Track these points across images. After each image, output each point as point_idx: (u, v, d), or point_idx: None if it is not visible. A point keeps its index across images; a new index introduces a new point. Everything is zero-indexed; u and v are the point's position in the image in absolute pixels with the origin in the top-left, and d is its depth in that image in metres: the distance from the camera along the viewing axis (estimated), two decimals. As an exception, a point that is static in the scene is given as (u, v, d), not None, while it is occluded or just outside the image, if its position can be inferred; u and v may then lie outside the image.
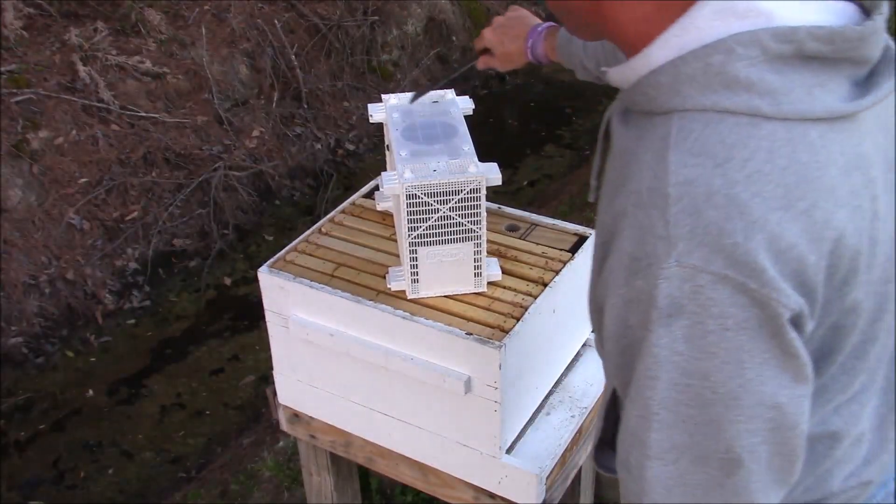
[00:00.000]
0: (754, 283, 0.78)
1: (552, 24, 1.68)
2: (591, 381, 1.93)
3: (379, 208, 2.00)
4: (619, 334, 0.87)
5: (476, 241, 1.66)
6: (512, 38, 1.71)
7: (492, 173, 1.61)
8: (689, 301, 0.79)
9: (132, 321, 4.05)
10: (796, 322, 0.81)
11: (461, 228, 1.63)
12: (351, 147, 5.33)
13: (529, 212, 1.99)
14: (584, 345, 2.01)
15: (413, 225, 1.61)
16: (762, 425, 0.83)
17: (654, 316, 0.81)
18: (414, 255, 1.65)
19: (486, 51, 1.75)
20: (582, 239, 1.87)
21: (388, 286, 1.73)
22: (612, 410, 1.11)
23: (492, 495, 1.74)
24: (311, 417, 1.96)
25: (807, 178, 0.79)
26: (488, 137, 4.90)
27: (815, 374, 0.88)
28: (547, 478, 1.70)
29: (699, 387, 0.82)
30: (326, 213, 2.07)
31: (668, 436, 0.84)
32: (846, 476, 1.03)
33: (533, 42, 1.69)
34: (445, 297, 1.71)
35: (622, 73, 0.91)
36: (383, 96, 1.89)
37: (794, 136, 0.79)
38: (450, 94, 1.89)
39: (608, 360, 0.94)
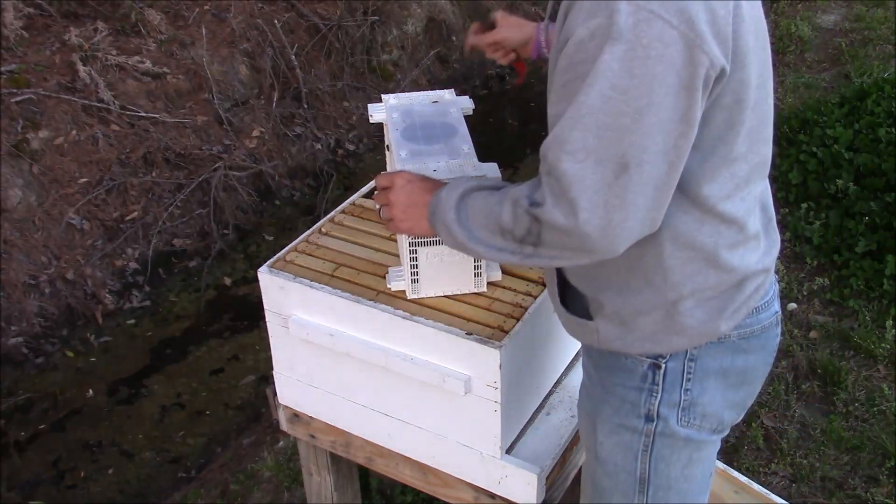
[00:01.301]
0: (690, 31, 1.08)
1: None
2: (591, 381, 1.93)
3: (379, 208, 2.00)
4: (566, 69, 1.15)
5: (476, 241, 1.65)
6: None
7: (492, 173, 1.61)
8: (629, 31, 1.08)
9: (132, 321, 4.05)
10: (708, 81, 1.12)
11: (461, 228, 1.63)
12: (351, 147, 5.33)
13: (529, 212, 1.99)
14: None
15: (413, 225, 1.61)
16: (651, 144, 1.12)
17: (604, 42, 1.08)
18: (414, 255, 1.65)
19: None
20: (582, 239, 1.87)
21: (388, 286, 1.73)
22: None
23: (492, 495, 1.74)
24: (311, 417, 1.95)
25: None
26: (488, 137, 4.91)
27: (722, 143, 1.22)
28: (547, 478, 1.70)
29: (618, 100, 1.10)
30: (326, 213, 2.07)
31: (583, 136, 1.13)
32: (756, 261, 1.35)
33: (541, 36, 1.72)
34: (445, 297, 1.71)
35: None
36: (383, 96, 1.89)
37: None
38: (450, 94, 1.89)
39: (552, 99, 1.21)
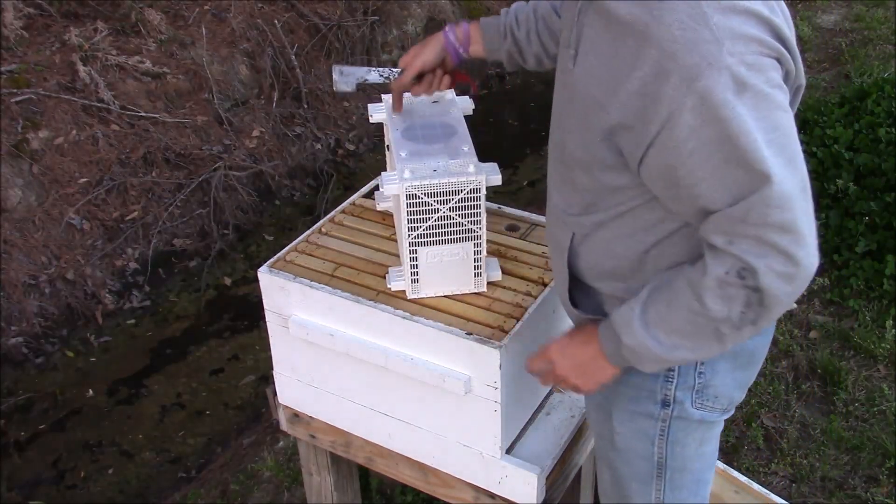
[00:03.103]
0: (775, 52, 1.15)
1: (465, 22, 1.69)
2: (591, 381, 1.93)
3: (379, 208, 2.00)
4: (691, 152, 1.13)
5: (476, 241, 1.66)
6: (428, 50, 1.68)
7: (492, 173, 1.61)
8: (747, 71, 1.11)
9: (132, 321, 4.05)
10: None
11: (461, 228, 1.63)
12: (351, 147, 5.33)
13: (529, 212, 1.99)
14: (584, 345, 2.01)
15: (413, 225, 1.61)
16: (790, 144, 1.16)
17: (728, 96, 1.10)
18: (414, 255, 1.65)
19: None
20: (582, 239, 1.87)
21: (388, 286, 1.73)
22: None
23: (492, 495, 1.74)
24: (311, 417, 1.95)
25: None
26: (488, 137, 4.91)
27: None
28: (547, 478, 1.70)
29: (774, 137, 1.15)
30: (326, 213, 2.07)
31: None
32: None
33: (449, 35, 1.69)
34: (445, 297, 1.71)
35: None
36: (383, 96, 1.89)
37: None
38: (450, 94, 1.89)
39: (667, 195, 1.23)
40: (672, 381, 1.42)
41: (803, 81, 1.32)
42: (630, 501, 1.57)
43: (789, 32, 1.22)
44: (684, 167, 1.15)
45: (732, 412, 1.54)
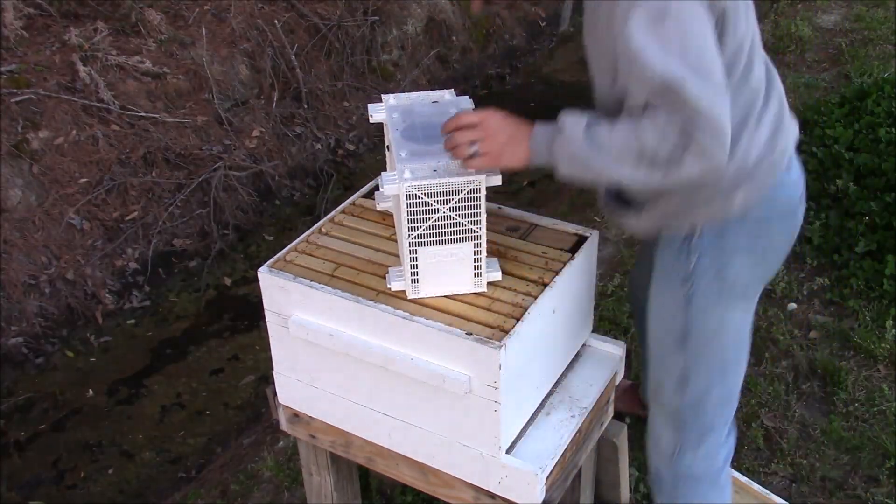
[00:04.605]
0: None
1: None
2: (591, 381, 1.93)
3: (379, 208, 2.00)
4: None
5: (476, 242, 1.66)
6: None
7: (492, 173, 1.61)
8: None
9: (132, 321, 4.05)
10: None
11: (461, 228, 1.64)
12: (351, 147, 5.33)
13: (529, 212, 1.99)
14: (584, 345, 2.02)
15: (413, 225, 1.62)
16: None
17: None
18: (414, 255, 1.65)
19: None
20: (582, 239, 1.87)
21: (388, 286, 1.73)
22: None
23: (492, 495, 1.74)
24: (311, 417, 1.96)
25: None
26: (488, 137, 4.88)
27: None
28: (547, 478, 1.70)
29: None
30: (326, 213, 2.07)
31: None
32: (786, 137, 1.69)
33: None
34: (445, 297, 1.71)
35: None
36: (383, 96, 1.89)
37: None
38: (450, 94, 1.89)
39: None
40: (692, 262, 1.71)
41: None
42: (663, 366, 1.86)
43: None
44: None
45: (750, 300, 1.81)
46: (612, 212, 1.82)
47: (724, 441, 1.95)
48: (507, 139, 1.60)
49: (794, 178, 1.73)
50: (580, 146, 1.52)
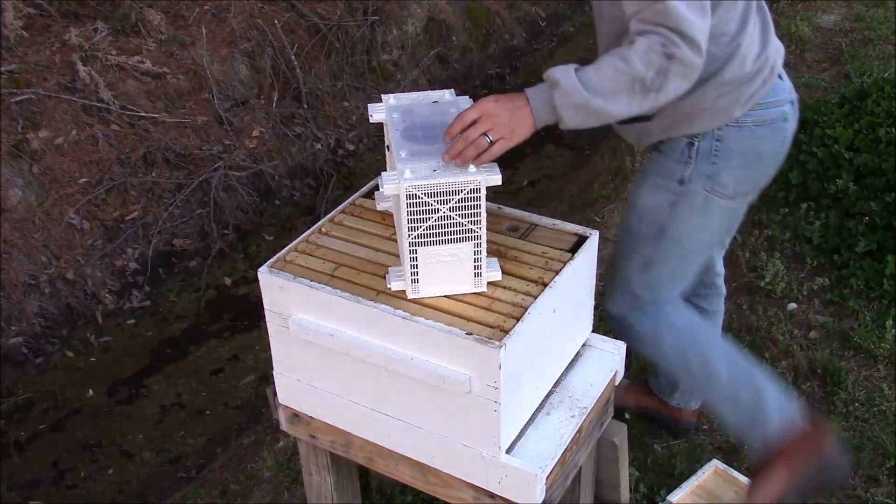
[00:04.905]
0: None
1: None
2: (591, 381, 1.93)
3: (379, 208, 2.00)
4: None
5: (476, 241, 1.66)
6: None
7: (492, 173, 1.61)
8: None
9: (132, 321, 4.05)
10: None
11: (461, 228, 1.64)
12: (351, 147, 5.33)
13: (529, 212, 1.99)
14: (584, 345, 2.01)
15: (413, 225, 1.61)
16: None
17: None
18: (414, 255, 1.65)
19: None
20: (582, 239, 1.87)
21: (388, 286, 1.73)
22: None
23: (492, 495, 1.74)
24: (311, 417, 1.96)
25: None
26: (488, 137, 4.89)
27: None
28: (547, 478, 1.70)
29: None
30: (326, 213, 2.07)
31: None
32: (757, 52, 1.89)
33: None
34: (445, 297, 1.71)
35: None
36: (383, 96, 1.89)
37: None
38: (450, 94, 1.89)
39: None
40: (690, 166, 1.90)
41: None
42: (633, 251, 2.06)
43: None
44: None
45: (737, 200, 1.98)
46: (621, 126, 1.96)
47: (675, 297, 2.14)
48: (510, 115, 1.67)
49: (786, 85, 1.95)
50: (577, 93, 1.62)
